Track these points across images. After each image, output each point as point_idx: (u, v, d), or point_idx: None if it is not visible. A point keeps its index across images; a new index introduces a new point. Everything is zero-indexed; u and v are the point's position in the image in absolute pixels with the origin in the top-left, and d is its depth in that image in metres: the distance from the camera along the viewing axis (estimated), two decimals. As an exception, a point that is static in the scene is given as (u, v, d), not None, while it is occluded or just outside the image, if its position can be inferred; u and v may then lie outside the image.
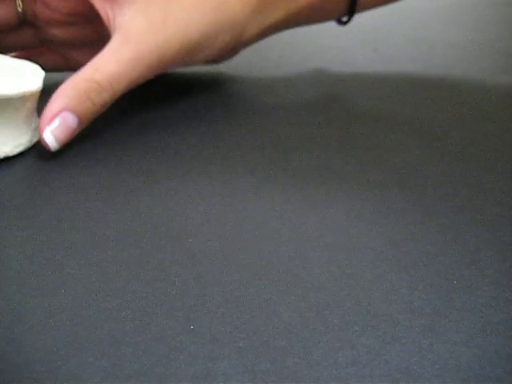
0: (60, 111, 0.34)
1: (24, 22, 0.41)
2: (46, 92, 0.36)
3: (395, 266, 0.29)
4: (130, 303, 0.27)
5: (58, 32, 0.42)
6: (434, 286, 0.28)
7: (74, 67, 0.39)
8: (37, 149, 0.36)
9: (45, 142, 0.34)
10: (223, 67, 0.50)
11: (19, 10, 0.39)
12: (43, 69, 0.36)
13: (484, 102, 0.46)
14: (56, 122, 0.34)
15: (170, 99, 0.46)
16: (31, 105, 0.35)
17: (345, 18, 0.48)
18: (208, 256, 0.30)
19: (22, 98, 0.33)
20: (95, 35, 0.43)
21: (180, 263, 0.29)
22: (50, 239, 0.31)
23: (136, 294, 0.27)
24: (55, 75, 0.42)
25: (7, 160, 0.35)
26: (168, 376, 0.23)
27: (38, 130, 0.35)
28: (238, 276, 0.28)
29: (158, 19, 0.36)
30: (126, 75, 0.35)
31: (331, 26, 0.51)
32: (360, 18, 0.51)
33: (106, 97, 0.35)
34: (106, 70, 0.35)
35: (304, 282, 0.28)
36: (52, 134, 0.34)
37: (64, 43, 0.43)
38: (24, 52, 0.44)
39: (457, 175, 0.36)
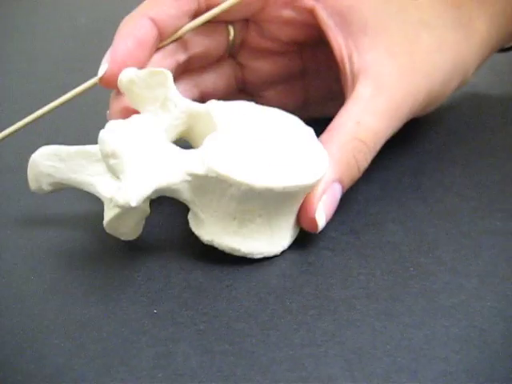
0: (332, 181, 0.28)
1: (228, 55, 0.34)
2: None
3: (355, 253, 0.30)
4: (96, 289, 0.27)
5: (263, 65, 0.34)
6: (391, 272, 0.29)
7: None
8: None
9: (313, 223, 0.28)
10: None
11: (230, 38, 0.33)
12: None
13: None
14: (325, 196, 0.28)
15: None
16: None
17: None
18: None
19: (309, 187, 0.27)
20: (298, 69, 0.36)
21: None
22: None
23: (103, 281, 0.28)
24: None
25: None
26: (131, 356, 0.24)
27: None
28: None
29: (406, 62, 0.30)
30: (385, 131, 0.30)
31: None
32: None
33: (368, 159, 0.30)
34: (369, 125, 0.29)
35: (264, 267, 0.29)
36: (324, 210, 0.28)
37: (263, 80, 0.35)
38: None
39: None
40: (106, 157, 0.25)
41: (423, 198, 0.34)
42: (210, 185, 0.27)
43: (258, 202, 0.27)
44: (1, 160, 0.38)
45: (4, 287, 0.28)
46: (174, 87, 0.29)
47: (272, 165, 0.27)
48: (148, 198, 0.26)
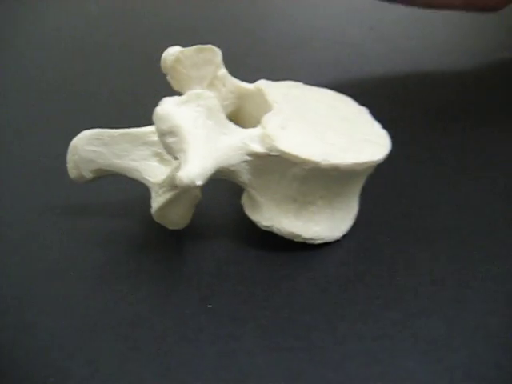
0: None
1: None
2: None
3: (413, 238, 0.28)
4: (143, 284, 0.25)
5: None
6: (454, 257, 0.27)
7: None
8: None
9: None
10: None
11: None
12: None
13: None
14: None
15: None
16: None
17: None
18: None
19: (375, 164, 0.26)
20: None
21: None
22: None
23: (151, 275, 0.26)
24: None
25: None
26: (190, 356, 0.22)
27: None
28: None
29: None
30: None
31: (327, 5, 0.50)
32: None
33: None
34: None
35: (321, 254, 0.27)
36: None
37: None
38: None
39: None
40: (162, 135, 0.22)
41: (475, 178, 0.33)
42: (270, 165, 0.25)
43: (321, 183, 0.25)
44: (39, 147, 0.35)
45: (44, 285, 0.25)
46: (223, 65, 0.27)
47: (335, 143, 0.25)
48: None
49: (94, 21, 0.55)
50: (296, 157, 0.24)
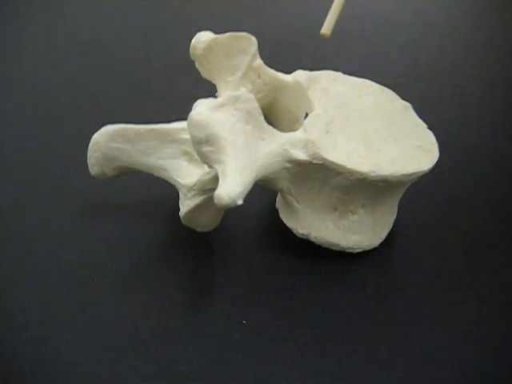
0: None
1: None
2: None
3: (453, 248, 0.26)
4: (172, 296, 0.24)
5: None
6: (494, 270, 0.25)
7: None
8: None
9: None
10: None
11: None
12: None
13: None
14: None
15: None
16: None
17: None
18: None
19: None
20: None
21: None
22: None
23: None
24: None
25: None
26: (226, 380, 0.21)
27: None
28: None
29: None
30: None
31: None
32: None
33: None
34: None
35: (359, 263, 0.25)
36: None
37: None
38: None
39: None
40: (198, 143, 0.20)
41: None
42: (312, 172, 0.23)
43: (364, 192, 0.23)
44: (59, 142, 0.32)
45: (69, 294, 0.24)
46: (258, 55, 0.24)
47: (383, 150, 0.23)
48: None
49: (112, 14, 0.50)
50: (343, 167, 0.22)
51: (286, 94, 0.25)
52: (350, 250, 0.25)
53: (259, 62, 0.25)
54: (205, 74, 0.25)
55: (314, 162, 0.22)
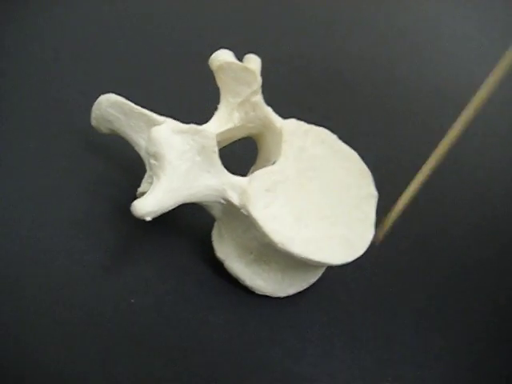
0: None
1: None
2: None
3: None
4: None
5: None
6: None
7: None
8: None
9: None
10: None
11: None
12: None
13: None
14: None
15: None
16: None
17: None
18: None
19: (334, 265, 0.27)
20: None
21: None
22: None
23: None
24: None
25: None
26: None
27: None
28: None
29: None
30: None
31: None
32: None
33: None
34: None
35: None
36: None
37: None
38: None
39: None
40: (148, 154, 0.24)
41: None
42: (241, 216, 0.25)
43: (278, 254, 0.25)
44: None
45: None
46: (260, 93, 0.27)
47: (309, 227, 0.25)
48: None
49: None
50: (260, 228, 0.24)
51: (270, 135, 0.28)
52: (252, 290, 0.28)
53: (258, 99, 0.27)
54: (218, 82, 0.28)
55: (242, 210, 0.25)
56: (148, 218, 0.22)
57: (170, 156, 0.23)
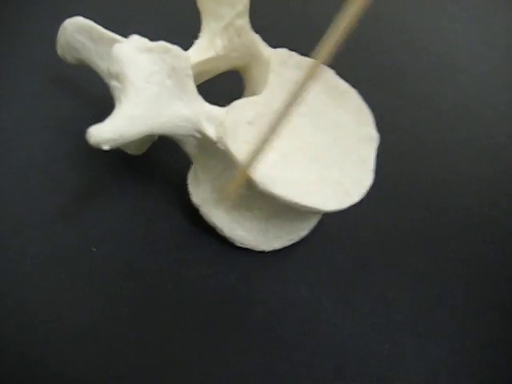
0: None
1: None
2: None
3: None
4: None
5: None
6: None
7: None
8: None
9: None
10: None
11: None
12: None
13: None
14: None
15: None
16: None
17: None
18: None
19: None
20: None
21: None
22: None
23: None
24: None
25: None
26: None
27: None
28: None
29: None
30: None
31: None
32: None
33: None
34: None
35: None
36: None
37: None
38: None
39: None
40: (109, 75, 0.20)
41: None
42: (218, 153, 0.22)
43: (262, 199, 0.22)
44: None
45: None
46: (246, 15, 0.23)
47: (295, 169, 0.21)
48: (141, 136, 0.21)
49: None
50: (238, 164, 0.21)
51: (257, 66, 0.24)
52: (231, 240, 0.24)
53: (243, 22, 0.23)
54: (198, 4, 0.24)
55: (218, 145, 0.21)
56: (105, 147, 0.19)
57: (134, 76, 0.19)
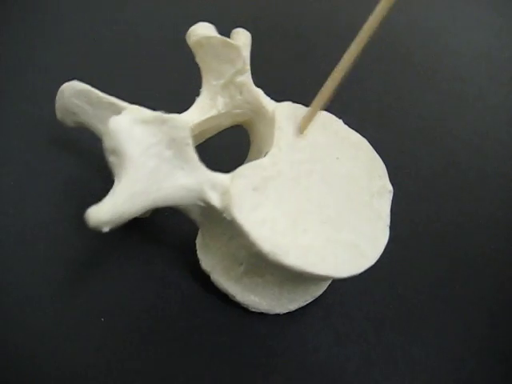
0: None
1: None
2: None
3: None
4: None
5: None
6: None
7: None
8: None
9: None
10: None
11: None
12: None
13: None
14: None
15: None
16: None
17: None
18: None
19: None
20: None
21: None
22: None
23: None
24: None
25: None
26: None
27: None
28: None
29: None
30: None
31: None
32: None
33: None
34: None
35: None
36: None
37: None
38: None
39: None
40: (106, 150, 0.19)
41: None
42: (223, 221, 0.21)
43: (272, 265, 0.21)
44: None
45: None
46: (248, 71, 0.22)
47: (308, 233, 0.20)
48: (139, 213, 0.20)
49: None
50: (246, 235, 0.20)
51: (262, 122, 0.23)
52: (244, 306, 0.23)
53: (244, 79, 0.22)
54: (197, 59, 0.23)
55: (224, 215, 0.20)
56: (105, 229, 0.18)
57: (132, 151, 0.18)
